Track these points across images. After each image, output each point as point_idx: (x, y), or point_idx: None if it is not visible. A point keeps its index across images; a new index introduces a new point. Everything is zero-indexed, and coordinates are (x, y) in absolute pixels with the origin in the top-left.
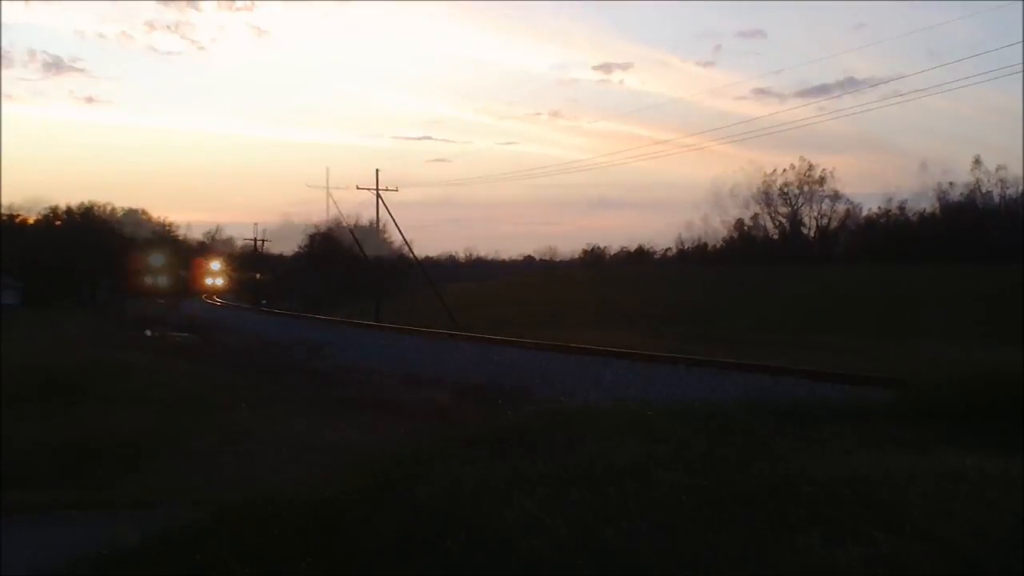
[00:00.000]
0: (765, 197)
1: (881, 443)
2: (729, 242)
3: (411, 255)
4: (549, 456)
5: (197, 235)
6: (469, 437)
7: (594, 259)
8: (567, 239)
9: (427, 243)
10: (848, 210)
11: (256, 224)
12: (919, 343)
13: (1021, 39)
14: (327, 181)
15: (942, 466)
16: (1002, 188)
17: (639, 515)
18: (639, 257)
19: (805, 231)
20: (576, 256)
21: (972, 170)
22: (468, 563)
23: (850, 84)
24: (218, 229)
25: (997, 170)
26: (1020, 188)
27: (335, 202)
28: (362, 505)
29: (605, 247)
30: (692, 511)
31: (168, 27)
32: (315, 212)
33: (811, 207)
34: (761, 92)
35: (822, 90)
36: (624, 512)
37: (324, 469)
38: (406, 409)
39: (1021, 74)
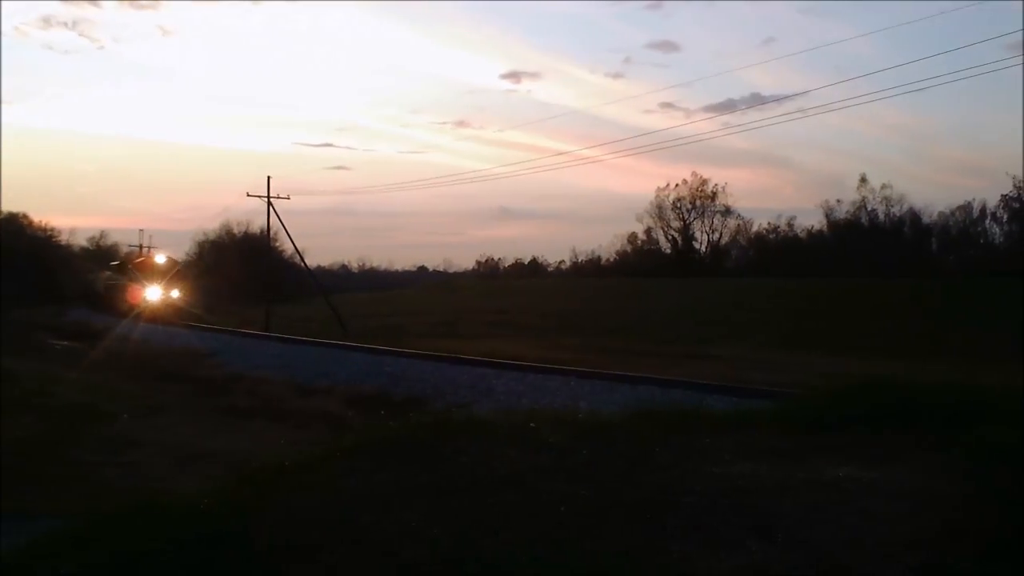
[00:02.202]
0: (658, 211)
1: (761, 453)
2: (622, 255)
3: (303, 264)
4: (433, 466)
5: (81, 241)
6: (352, 447)
7: (489, 271)
8: (463, 250)
9: (321, 252)
10: (739, 225)
11: (142, 230)
12: (806, 355)
13: (918, 58)
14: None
15: (818, 476)
16: (887, 206)
17: (519, 525)
18: (533, 269)
19: (697, 245)
20: (471, 267)
21: (858, 188)
22: (346, 574)
23: (755, 99)
24: (102, 234)
25: (882, 188)
26: (905, 206)
27: (225, 208)
28: (241, 515)
29: (500, 259)
30: (572, 520)
31: (66, 24)
32: (206, 219)
33: (703, 221)
34: (668, 106)
35: (728, 105)
36: (505, 522)
37: (207, 478)
38: (296, 418)
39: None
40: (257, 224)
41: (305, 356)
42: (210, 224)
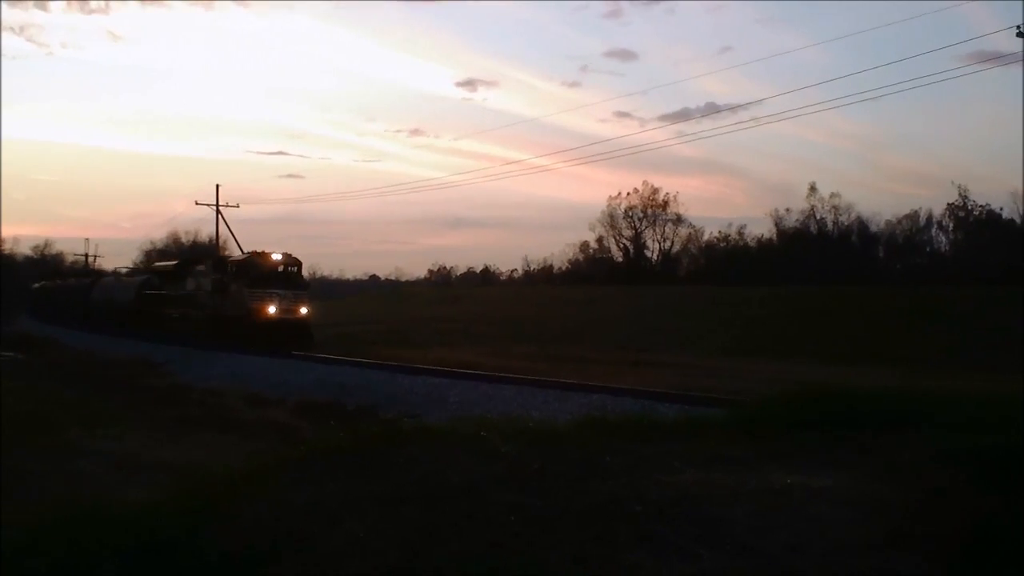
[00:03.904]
0: (610, 220)
1: (711, 461)
2: (575, 264)
3: None
4: (383, 475)
5: (25, 250)
6: (302, 457)
7: (441, 279)
8: (415, 259)
9: None
10: (690, 233)
11: (87, 239)
12: (755, 362)
13: (870, 67)
14: (162, 195)
15: (768, 483)
16: (835, 215)
17: (470, 534)
18: (486, 278)
19: (648, 254)
20: (423, 276)
21: (808, 197)
22: None
23: (710, 108)
24: (47, 243)
25: (831, 197)
26: (853, 215)
27: (173, 217)
28: (189, 525)
29: (452, 267)
30: (523, 529)
31: (13, 29)
32: (153, 227)
33: (655, 230)
34: (623, 114)
35: (683, 114)
36: (455, 532)
37: (156, 489)
38: (246, 428)
39: (869, 101)
40: (206, 232)
41: (256, 366)
42: (158, 233)
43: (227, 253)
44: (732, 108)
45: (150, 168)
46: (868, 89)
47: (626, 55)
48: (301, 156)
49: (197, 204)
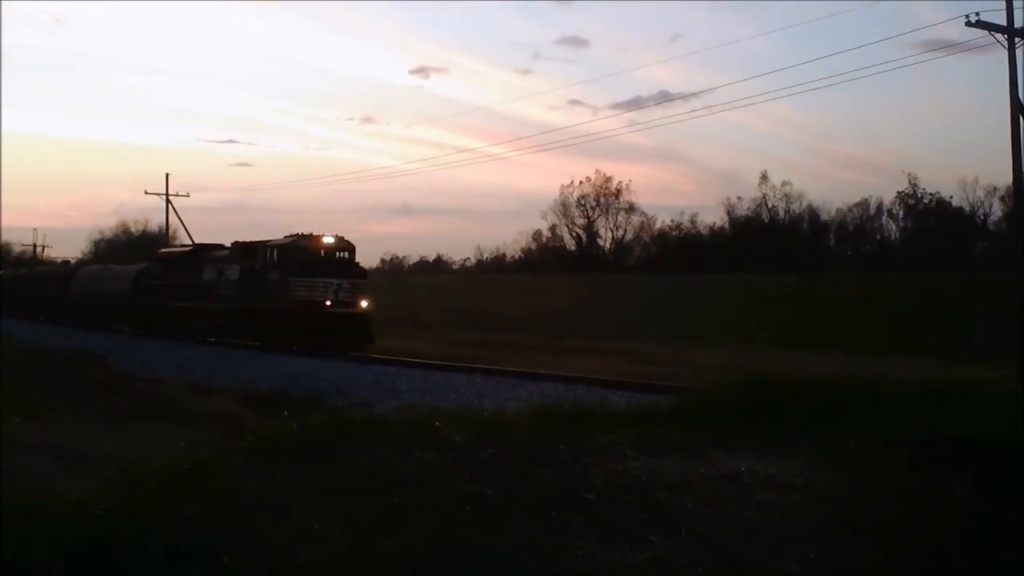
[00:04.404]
0: (563, 208)
1: (662, 448)
2: (527, 252)
3: None
4: (332, 466)
5: None
6: (250, 447)
7: (392, 268)
8: (367, 247)
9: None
10: (643, 222)
11: (36, 229)
12: (705, 349)
13: (821, 56)
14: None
15: (717, 469)
16: (786, 203)
17: (420, 524)
18: (438, 267)
19: (601, 242)
20: (375, 265)
21: (759, 185)
22: None
23: (662, 96)
24: None
25: (782, 185)
26: (804, 203)
27: (120, 205)
28: (133, 519)
29: (404, 256)
30: (474, 519)
31: None
32: (101, 216)
33: (607, 218)
34: (575, 102)
35: (635, 102)
36: (405, 521)
37: (99, 481)
38: (192, 419)
39: (818, 91)
40: (155, 221)
41: (202, 356)
42: (106, 222)
43: (177, 242)
44: (684, 97)
45: (97, 157)
46: (818, 78)
47: (577, 43)
48: (251, 144)
49: (147, 193)
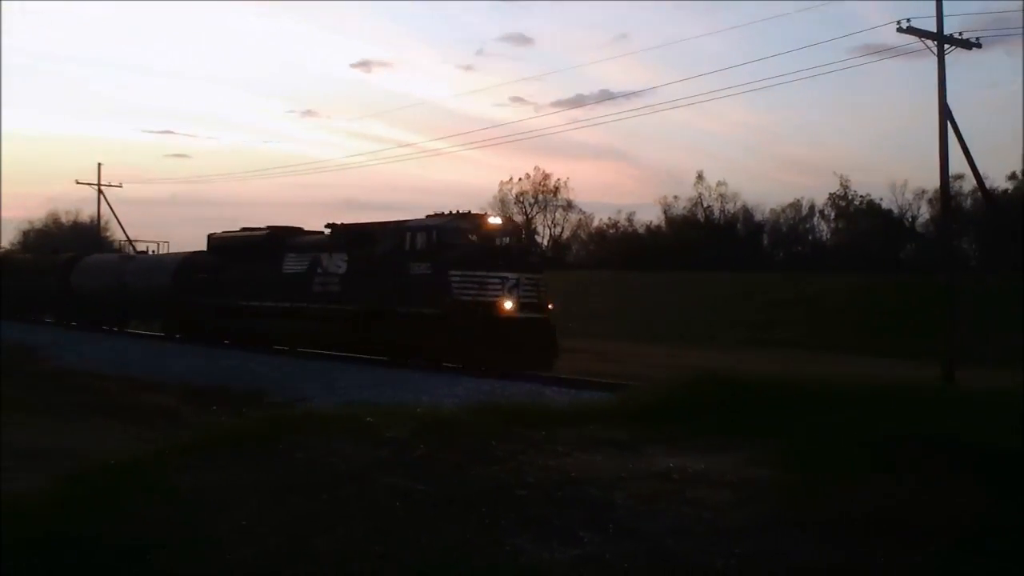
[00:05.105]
0: (501, 205)
1: (598, 445)
2: None
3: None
4: (268, 462)
5: None
6: (188, 444)
7: None
8: None
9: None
10: (581, 219)
11: None
12: (644, 347)
13: (764, 56)
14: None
15: (650, 466)
16: (722, 203)
17: (355, 521)
18: None
19: (539, 239)
20: None
21: (695, 185)
22: (177, 575)
23: (605, 95)
24: None
25: (717, 185)
26: (739, 203)
27: (52, 197)
28: (71, 516)
29: None
30: (408, 515)
31: None
32: (32, 208)
33: (545, 215)
34: (518, 99)
35: (578, 100)
36: (340, 518)
37: (35, 478)
38: (131, 414)
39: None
40: (87, 213)
41: (140, 351)
42: (37, 213)
43: (108, 234)
44: (627, 95)
45: (29, 148)
46: (759, 79)
47: (521, 40)
48: (188, 135)
49: (78, 183)
